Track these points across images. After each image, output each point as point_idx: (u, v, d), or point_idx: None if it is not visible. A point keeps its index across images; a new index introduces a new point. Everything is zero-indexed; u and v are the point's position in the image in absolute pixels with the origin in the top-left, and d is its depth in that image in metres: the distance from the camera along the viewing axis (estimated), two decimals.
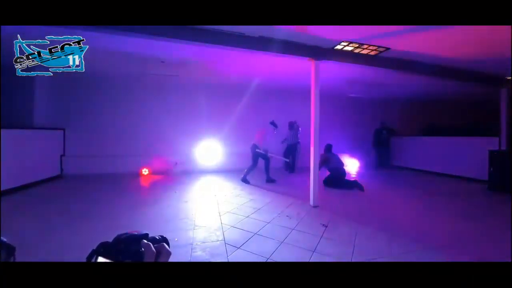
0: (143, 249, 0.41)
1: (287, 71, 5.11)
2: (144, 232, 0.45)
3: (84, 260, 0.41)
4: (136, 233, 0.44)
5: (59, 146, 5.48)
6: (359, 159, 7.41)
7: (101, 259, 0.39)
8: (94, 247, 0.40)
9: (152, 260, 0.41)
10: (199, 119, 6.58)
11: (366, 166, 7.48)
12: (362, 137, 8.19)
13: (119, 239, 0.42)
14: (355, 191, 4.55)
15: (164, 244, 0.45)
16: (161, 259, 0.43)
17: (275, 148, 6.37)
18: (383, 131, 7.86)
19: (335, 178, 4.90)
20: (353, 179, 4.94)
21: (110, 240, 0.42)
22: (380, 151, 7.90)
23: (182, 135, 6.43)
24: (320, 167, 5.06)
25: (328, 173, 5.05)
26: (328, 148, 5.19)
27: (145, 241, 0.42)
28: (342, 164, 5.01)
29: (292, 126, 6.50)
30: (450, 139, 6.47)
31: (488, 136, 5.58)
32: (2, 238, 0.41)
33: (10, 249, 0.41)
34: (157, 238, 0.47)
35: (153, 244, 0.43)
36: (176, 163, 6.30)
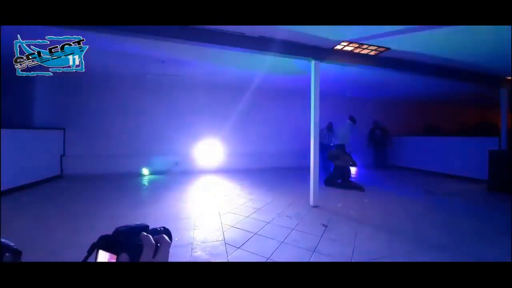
0: (141, 242, 0.41)
1: (288, 71, 5.11)
2: (145, 224, 0.45)
3: (83, 256, 0.41)
4: (135, 225, 0.44)
5: (59, 146, 5.48)
6: (358, 159, 7.41)
7: (101, 252, 0.39)
8: (95, 241, 0.40)
9: (152, 251, 0.41)
10: (199, 119, 6.59)
11: (364, 166, 7.48)
12: (363, 137, 8.18)
13: (118, 232, 0.42)
14: (355, 191, 4.55)
15: (164, 235, 0.44)
16: (161, 250, 0.42)
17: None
18: (376, 131, 7.87)
19: (338, 177, 4.92)
20: (353, 180, 4.95)
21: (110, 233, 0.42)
22: (375, 151, 7.89)
23: (182, 135, 6.43)
24: (329, 159, 5.10)
25: (328, 172, 5.07)
26: (340, 146, 5.15)
27: (145, 233, 0.42)
28: (349, 164, 4.95)
29: (331, 128, 6.09)
30: (449, 139, 6.47)
31: (488, 136, 5.58)
32: (8, 241, 0.41)
33: (16, 254, 0.41)
34: (159, 229, 0.46)
35: (153, 236, 0.42)
36: (176, 163, 6.31)
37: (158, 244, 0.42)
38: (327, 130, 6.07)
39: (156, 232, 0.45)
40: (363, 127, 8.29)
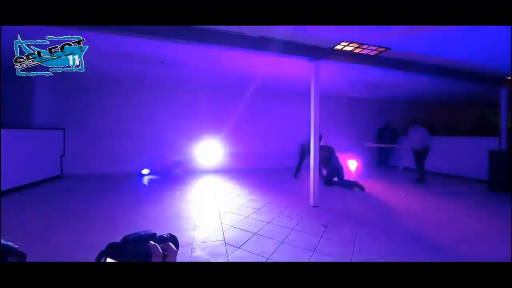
0: (149, 251, 0.41)
1: (288, 71, 5.11)
2: (152, 231, 0.45)
3: (86, 259, 0.41)
4: (143, 233, 0.44)
5: (59, 146, 5.47)
6: (359, 158, 7.43)
7: (109, 260, 0.40)
8: (103, 248, 0.41)
9: (159, 260, 0.41)
10: (199, 119, 6.58)
11: (366, 166, 7.48)
12: (363, 137, 8.21)
13: (127, 240, 0.42)
14: (355, 191, 4.56)
15: (170, 243, 0.44)
16: (168, 259, 0.43)
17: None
18: (385, 131, 7.92)
19: (333, 176, 4.99)
20: (353, 180, 4.96)
21: (118, 240, 0.42)
22: (380, 150, 7.96)
23: (182, 135, 6.43)
24: (323, 166, 5.10)
25: (325, 173, 5.14)
26: (329, 148, 5.20)
27: (152, 242, 0.43)
28: (341, 164, 5.09)
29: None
30: (450, 139, 6.47)
31: (488, 136, 5.58)
32: (11, 244, 0.41)
33: (21, 257, 0.41)
34: (165, 236, 0.47)
35: (160, 244, 0.43)
36: (176, 163, 6.30)
37: (166, 253, 0.43)
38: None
39: (163, 240, 0.45)
40: (364, 127, 8.32)
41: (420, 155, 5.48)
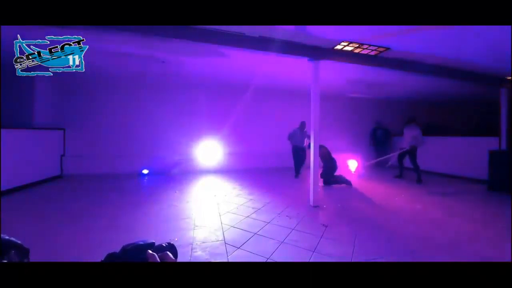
0: (148, 260, 0.42)
1: (288, 71, 5.11)
2: (150, 241, 0.46)
3: (86, 259, 0.41)
4: (142, 242, 0.44)
5: (59, 146, 5.48)
6: (358, 158, 7.43)
7: None
8: (103, 258, 0.41)
9: None
10: (199, 119, 6.58)
11: (364, 166, 7.47)
12: (362, 137, 8.22)
13: (125, 250, 0.42)
14: (354, 190, 4.56)
15: (168, 252, 0.45)
16: None
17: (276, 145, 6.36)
18: (378, 130, 7.96)
19: (330, 174, 5.05)
20: (339, 174, 5.13)
21: (117, 249, 0.43)
22: (376, 150, 7.98)
23: (182, 135, 6.43)
24: (325, 165, 5.13)
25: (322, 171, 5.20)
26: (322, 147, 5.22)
27: (150, 251, 0.43)
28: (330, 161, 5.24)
29: (303, 127, 5.75)
30: (449, 139, 6.47)
31: (488, 136, 5.58)
32: (14, 239, 0.41)
33: (23, 252, 0.41)
34: (164, 245, 0.47)
35: (158, 253, 0.43)
36: (176, 163, 6.30)
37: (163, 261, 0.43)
38: (299, 131, 5.71)
39: (161, 249, 0.46)
40: (363, 127, 8.33)
41: (410, 154, 5.57)
